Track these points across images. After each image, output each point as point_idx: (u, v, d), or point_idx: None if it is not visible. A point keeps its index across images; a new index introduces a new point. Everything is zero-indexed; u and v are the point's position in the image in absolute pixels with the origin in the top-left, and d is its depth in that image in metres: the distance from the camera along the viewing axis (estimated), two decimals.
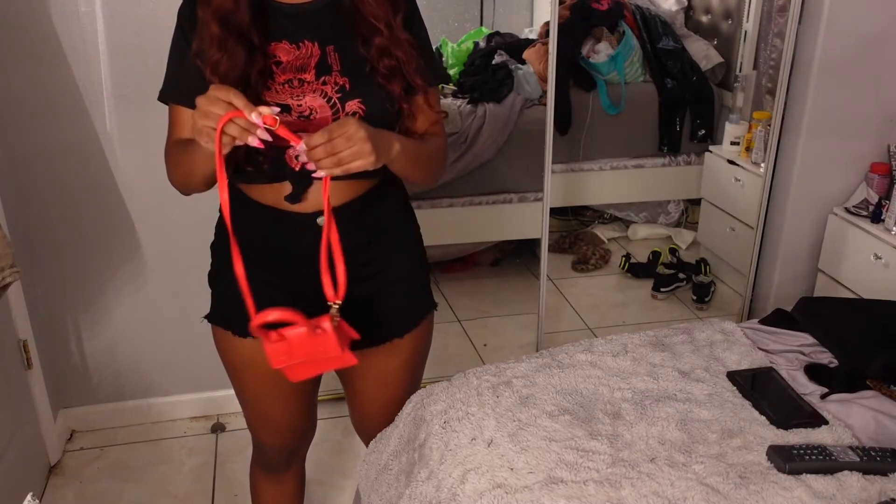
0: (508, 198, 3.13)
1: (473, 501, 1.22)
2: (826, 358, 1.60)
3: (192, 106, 1.12)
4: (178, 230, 2.28)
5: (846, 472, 1.24)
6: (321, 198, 1.27)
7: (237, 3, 1.20)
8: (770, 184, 2.62)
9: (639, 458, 1.28)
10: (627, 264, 3.35)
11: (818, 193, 2.57)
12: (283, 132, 1.11)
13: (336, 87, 1.25)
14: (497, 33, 3.47)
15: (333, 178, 1.19)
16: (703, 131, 3.36)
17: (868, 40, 2.37)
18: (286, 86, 1.24)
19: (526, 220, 3.06)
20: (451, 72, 3.29)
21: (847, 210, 2.53)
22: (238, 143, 1.10)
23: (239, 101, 1.08)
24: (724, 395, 1.45)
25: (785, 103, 2.50)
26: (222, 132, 1.08)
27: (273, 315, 1.14)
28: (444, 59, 3.36)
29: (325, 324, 1.18)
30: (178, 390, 2.50)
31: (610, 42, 3.36)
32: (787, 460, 1.25)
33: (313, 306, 1.19)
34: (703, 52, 3.40)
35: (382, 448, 1.51)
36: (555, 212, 3.21)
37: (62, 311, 2.34)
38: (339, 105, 1.24)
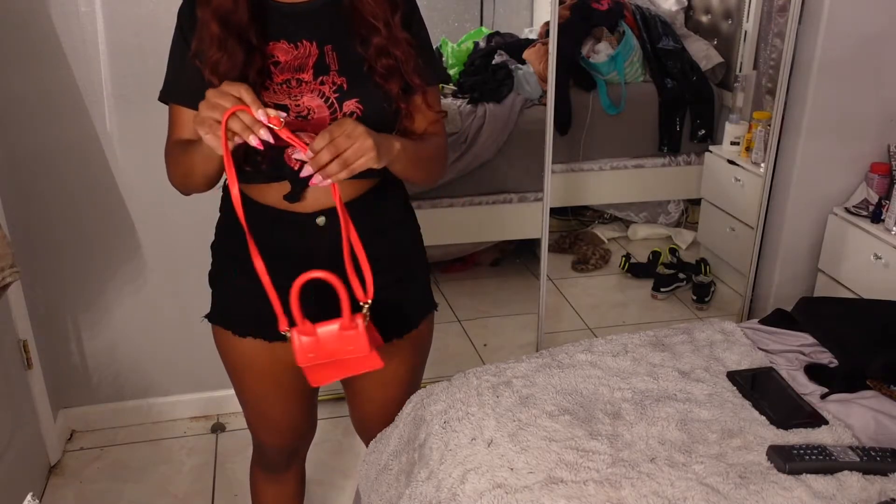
0: (508, 198, 3.13)
1: (473, 501, 1.22)
2: (826, 358, 1.60)
3: (192, 106, 1.12)
4: (178, 230, 2.28)
5: (846, 472, 1.24)
6: (320, 197, 1.28)
7: (236, 2, 1.20)
8: (770, 184, 2.62)
9: (639, 458, 1.28)
10: (627, 264, 3.35)
11: (818, 193, 2.57)
12: (286, 135, 1.11)
13: (334, 87, 1.25)
14: (497, 33, 3.47)
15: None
16: (703, 131, 3.36)
17: (868, 40, 2.37)
18: (284, 86, 1.24)
19: (526, 220, 3.06)
20: (451, 72, 3.29)
21: (847, 210, 2.53)
22: (238, 140, 1.10)
23: (248, 96, 1.09)
24: (724, 395, 1.45)
25: (785, 103, 2.50)
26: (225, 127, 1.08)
27: (317, 273, 1.15)
28: (444, 59, 3.36)
29: (359, 321, 1.18)
30: (178, 390, 2.51)
31: (610, 42, 3.36)
32: (787, 460, 1.25)
33: (314, 308, 1.19)
34: (703, 52, 3.40)
35: (382, 448, 1.51)
36: (555, 212, 3.21)
37: (62, 311, 2.34)
38: (336, 105, 1.24)
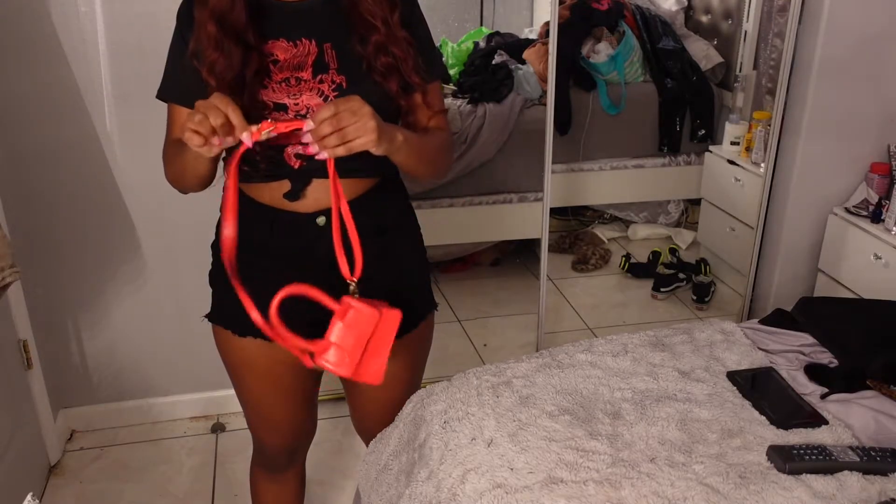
0: (508, 198, 3.13)
1: (473, 501, 1.22)
2: (826, 358, 1.60)
3: (189, 106, 1.12)
4: (178, 230, 2.28)
5: (846, 472, 1.24)
6: (321, 197, 1.28)
7: (233, 2, 1.20)
8: (770, 184, 2.62)
9: (639, 458, 1.28)
10: (627, 264, 3.35)
11: (818, 193, 2.57)
12: (283, 125, 1.11)
13: (333, 86, 1.25)
14: (497, 33, 3.47)
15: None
16: (703, 131, 3.36)
17: (868, 40, 2.37)
18: (283, 84, 1.24)
19: (526, 220, 3.06)
20: (451, 72, 3.29)
21: (847, 210, 2.52)
22: (228, 145, 1.11)
23: (235, 118, 1.09)
24: (724, 395, 1.45)
25: (785, 103, 2.49)
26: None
27: (294, 289, 1.13)
28: (443, 59, 3.36)
29: (348, 300, 1.17)
30: (178, 390, 2.50)
31: (610, 42, 3.35)
32: (787, 460, 1.25)
33: (314, 307, 1.19)
34: (703, 52, 3.40)
35: (382, 448, 1.51)
36: (555, 212, 3.21)
37: (62, 311, 2.34)
38: None
